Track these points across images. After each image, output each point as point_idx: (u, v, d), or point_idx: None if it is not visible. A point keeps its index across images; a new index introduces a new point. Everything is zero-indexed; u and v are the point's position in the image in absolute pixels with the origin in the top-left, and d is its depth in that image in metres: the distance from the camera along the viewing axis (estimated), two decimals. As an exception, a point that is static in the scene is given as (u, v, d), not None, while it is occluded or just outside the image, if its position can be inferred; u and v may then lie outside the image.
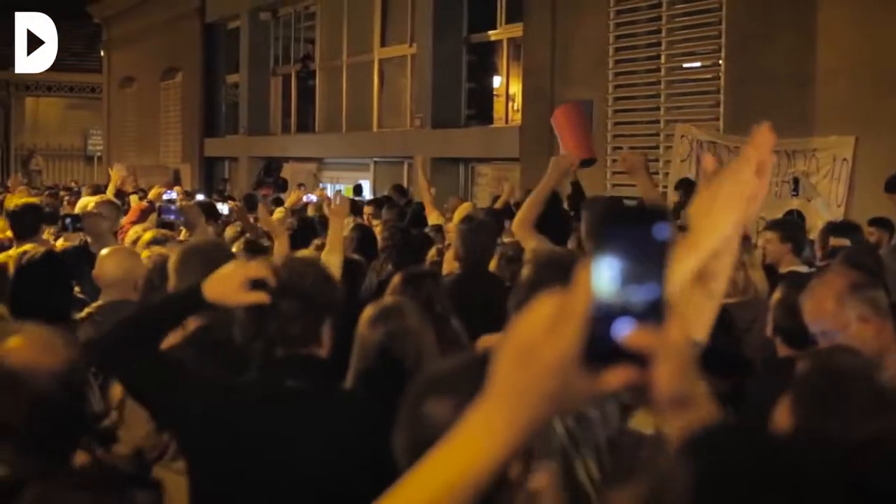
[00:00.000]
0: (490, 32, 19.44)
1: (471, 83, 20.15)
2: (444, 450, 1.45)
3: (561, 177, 6.92)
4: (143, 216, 11.01)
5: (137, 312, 3.86)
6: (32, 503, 2.43)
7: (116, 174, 14.07)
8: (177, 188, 14.84)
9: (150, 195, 12.77)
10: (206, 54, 29.12)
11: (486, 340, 4.45)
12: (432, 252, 8.17)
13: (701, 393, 1.42)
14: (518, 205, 12.13)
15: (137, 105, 33.41)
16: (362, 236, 8.56)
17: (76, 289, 6.86)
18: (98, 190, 14.20)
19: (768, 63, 12.83)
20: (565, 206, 11.29)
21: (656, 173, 14.20)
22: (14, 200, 9.84)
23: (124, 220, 11.52)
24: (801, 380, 2.90)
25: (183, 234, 9.48)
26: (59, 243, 9.00)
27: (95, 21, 36.04)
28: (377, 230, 9.11)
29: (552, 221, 7.65)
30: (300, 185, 15.62)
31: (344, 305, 3.69)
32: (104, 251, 6.17)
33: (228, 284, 3.42)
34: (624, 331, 1.31)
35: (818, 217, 10.30)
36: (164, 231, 8.30)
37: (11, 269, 6.29)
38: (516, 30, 18.09)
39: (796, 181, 12.32)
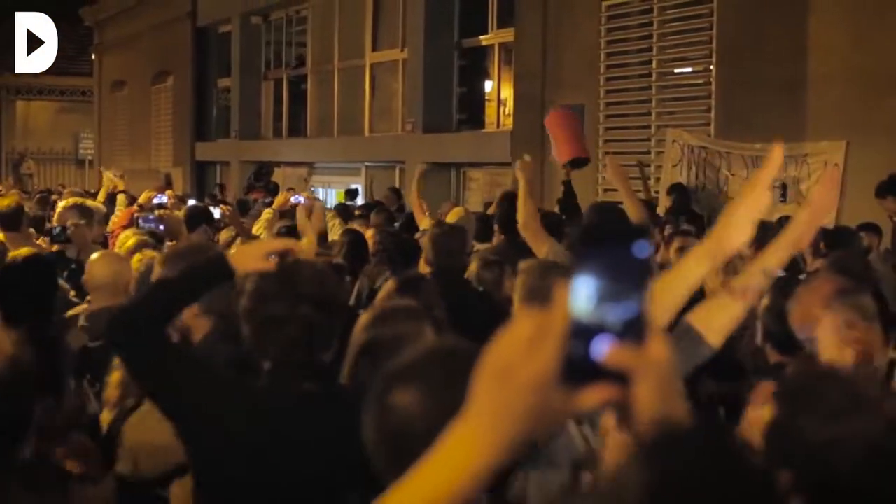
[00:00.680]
0: (481, 37, 19.43)
1: (462, 88, 20.14)
2: (427, 466, 1.45)
3: (531, 179, 7.19)
4: (133, 221, 10.98)
5: (156, 285, 3.83)
6: None
7: (108, 179, 14.02)
8: (168, 192, 14.79)
9: (140, 199, 12.73)
10: (198, 58, 29.08)
11: None
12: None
13: (682, 412, 1.41)
14: (489, 205, 12.20)
15: (129, 109, 33.36)
16: (353, 241, 8.54)
17: (72, 293, 6.88)
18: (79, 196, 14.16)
19: (759, 68, 12.84)
20: (556, 208, 11.30)
21: (648, 178, 14.22)
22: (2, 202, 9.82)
23: (114, 225, 11.51)
24: (783, 381, 2.93)
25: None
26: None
27: (87, 24, 36.00)
28: (367, 235, 9.09)
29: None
30: (290, 189, 15.59)
31: None
32: (93, 256, 6.17)
33: (253, 254, 3.50)
34: (603, 349, 1.31)
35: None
36: (146, 238, 8.29)
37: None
38: (508, 34, 18.09)
39: (784, 187, 12.34)
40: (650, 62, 14.95)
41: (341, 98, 23.52)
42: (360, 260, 8.15)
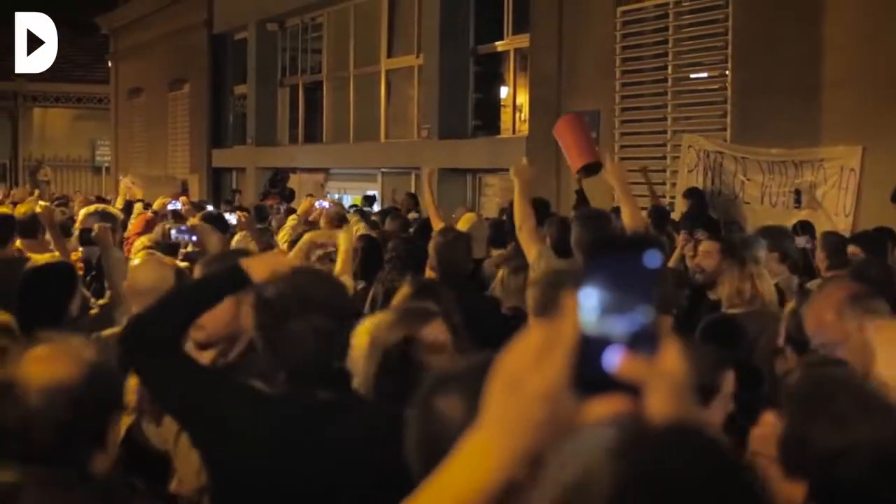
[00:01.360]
0: (497, 43, 19.44)
1: (478, 94, 20.16)
2: (441, 476, 1.46)
3: (526, 182, 7.14)
4: (148, 227, 11.01)
5: (170, 293, 3.85)
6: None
7: (125, 186, 14.08)
8: (182, 198, 14.82)
9: (155, 206, 12.76)
10: (214, 65, 29.17)
11: None
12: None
13: (697, 423, 1.39)
14: (504, 211, 12.17)
15: (145, 116, 33.45)
16: (368, 247, 8.53)
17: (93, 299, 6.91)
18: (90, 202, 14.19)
19: (775, 73, 12.81)
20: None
21: (663, 183, 14.19)
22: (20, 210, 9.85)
23: (130, 232, 11.54)
24: (790, 387, 2.92)
25: (190, 245, 9.46)
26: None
27: (103, 32, 36.13)
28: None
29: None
30: (308, 196, 15.60)
31: None
32: (136, 261, 6.17)
33: (268, 263, 3.56)
34: (614, 360, 1.30)
35: (829, 226, 10.26)
36: (151, 248, 8.29)
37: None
38: (523, 40, 18.08)
39: (798, 192, 12.30)
40: (665, 67, 14.92)
41: (357, 104, 23.56)
42: (375, 266, 8.14)
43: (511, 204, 9.46)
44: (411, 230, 11.55)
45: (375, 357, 3.69)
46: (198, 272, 4.71)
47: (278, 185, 22.67)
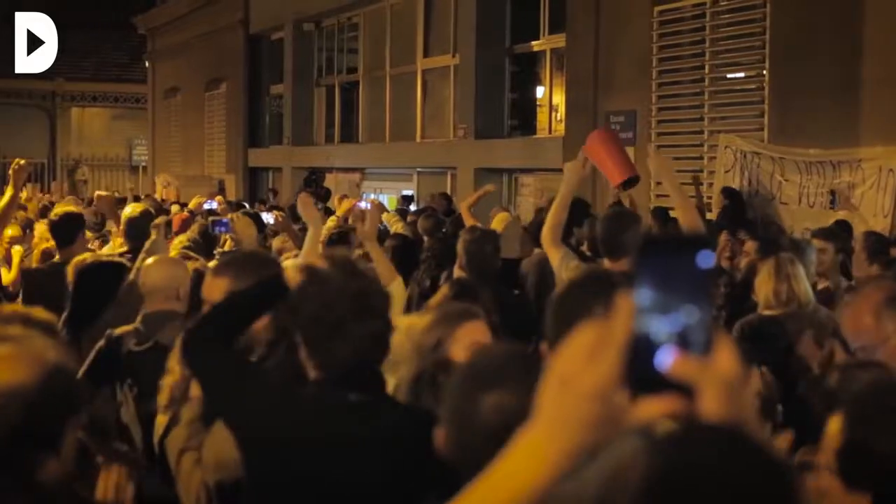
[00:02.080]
0: (533, 43, 19.42)
1: (514, 94, 20.16)
2: (493, 473, 1.47)
3: (578, 181, 6.87)
4: (184, 227, 11.04)
5: (219, 306, 3.87)
6: None
7: (162, 185, 14.14)
8: (218, 198, 14.87)
9: (190, 205, 12.80)
10: (250, 65, 29.29)
11: None
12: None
13: (752, 425, 1.39)
14: (541, 210, 12.12)
15: (182, 115, 33.63)
16: (402, 245, 8.53)
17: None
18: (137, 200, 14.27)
19: (813, 73, 12.73)
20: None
21: (701, 184, 14.13)
22: (57, 209, 9.89)
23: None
24: (853, 395, 2.85)
25: (227, 245, 9.47)
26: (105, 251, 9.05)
27: (140, 32, 36.36)
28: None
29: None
30: (343, 197, 15.58)
31: None
32: (148, 260, 6.20)
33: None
34: (667, 360, 1.29)
35: (864, 227, 10.19)
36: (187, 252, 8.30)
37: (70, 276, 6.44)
38: (559, 40, 18.06)
39: (833, 193, 12.22)
40: (703, 67, 14.87)
41: (393, 104, 23.60)
42: (409, 265, 8.14)
43: (550, 202, 9.41)
44: (444, 230, 11.54)
45: (415, 361, 3.69)
46: (224, 272, 4.63)
47: (313, 185, 22.70)
